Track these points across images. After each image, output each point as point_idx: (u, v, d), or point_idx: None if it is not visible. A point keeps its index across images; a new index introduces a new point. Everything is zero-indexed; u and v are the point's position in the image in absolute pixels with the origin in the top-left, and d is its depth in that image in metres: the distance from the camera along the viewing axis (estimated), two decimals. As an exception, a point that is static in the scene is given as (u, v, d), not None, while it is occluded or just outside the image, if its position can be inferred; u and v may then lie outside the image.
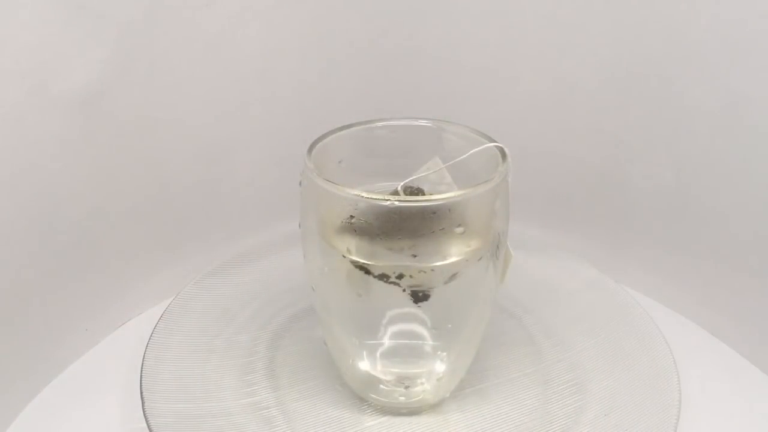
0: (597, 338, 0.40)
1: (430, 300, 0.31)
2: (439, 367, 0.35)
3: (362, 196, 0.29)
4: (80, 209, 0.39)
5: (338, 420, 0.35)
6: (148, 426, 0.33)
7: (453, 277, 0.31)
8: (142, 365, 0.37)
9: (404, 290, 0.31)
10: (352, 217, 0.30)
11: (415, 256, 0.30)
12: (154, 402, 0.35)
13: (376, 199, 0.28)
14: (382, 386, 0.35)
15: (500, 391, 0.37)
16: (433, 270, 0.30)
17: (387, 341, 0.33)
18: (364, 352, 0.34)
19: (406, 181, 0.32)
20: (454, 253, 0.31)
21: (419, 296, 0.31)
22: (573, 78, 0.45)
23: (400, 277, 0.30)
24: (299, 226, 0.33)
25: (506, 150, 0.32)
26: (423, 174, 0.33)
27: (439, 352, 0.34)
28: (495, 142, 0.32)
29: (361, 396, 0.36)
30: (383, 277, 0.30)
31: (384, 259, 0.30)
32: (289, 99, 0.47)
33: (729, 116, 0.38)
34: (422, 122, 0.36)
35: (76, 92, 0.37)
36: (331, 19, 0.46)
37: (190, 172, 0.45)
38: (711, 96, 0.39)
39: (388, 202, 0.28)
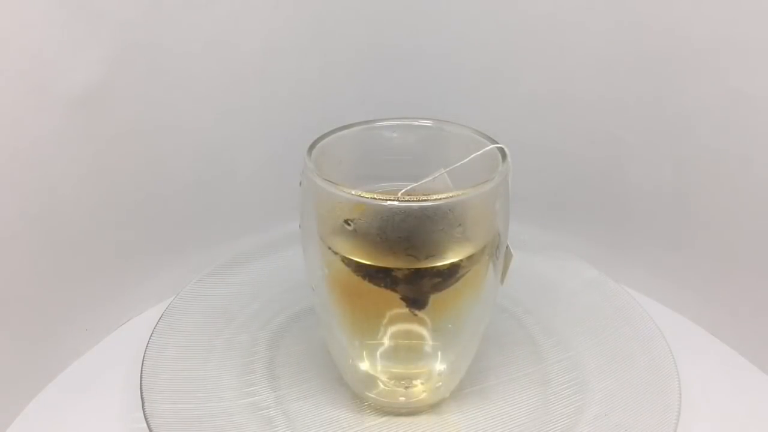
0: (597, 338, 0.40)
1: (430, 300, 0.31)
2: (439, 367, 0.35)
3: (362, 197, 0.29)
4: (80, 209, 0.39)
5: (338, 420, 0.35)
6: (148, 426, 0.33)
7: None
8: (142, 365, 0.37)
9: (401, 297, 0.31)
10: (350, 220, 0.30)
11: (414, 257, 0.30)
12: (154, 402, 0.35)
13: (375, 199, 0.28)
14: (381, 386, 0.35)
15: (500, 391, 0.37)
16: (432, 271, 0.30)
17: (387, 341, 0.33)
18: (364, 352, 0.34)
19: (407, 189, 0.32)
20: (454, 254, 0.31)
21: (417, 303, 0.31)
22: (573, 78, 0.45)
23: (399, 279, 0.30)
24: (299, 226, 0.33)
25: (506, 150, 0.32)
26: (424, 182, 0.33)
27: (439, 352, 0.34)
28: (496, 142, 0.32)
29: (361, 396, 0.36)
30: (383, 277, 0.30)
31: (383, 260, 0.30)
32: (289, 99, 0.47)
33: (729, 116, 0.38)
34: (422, 122, 0.36)
35: (76, 92, 0.37)
36: (331, 18, 0.46)
37: (190, 172, 0.45)
38: (711, 96, 0.39)
39: (388, 203, 0.28)
